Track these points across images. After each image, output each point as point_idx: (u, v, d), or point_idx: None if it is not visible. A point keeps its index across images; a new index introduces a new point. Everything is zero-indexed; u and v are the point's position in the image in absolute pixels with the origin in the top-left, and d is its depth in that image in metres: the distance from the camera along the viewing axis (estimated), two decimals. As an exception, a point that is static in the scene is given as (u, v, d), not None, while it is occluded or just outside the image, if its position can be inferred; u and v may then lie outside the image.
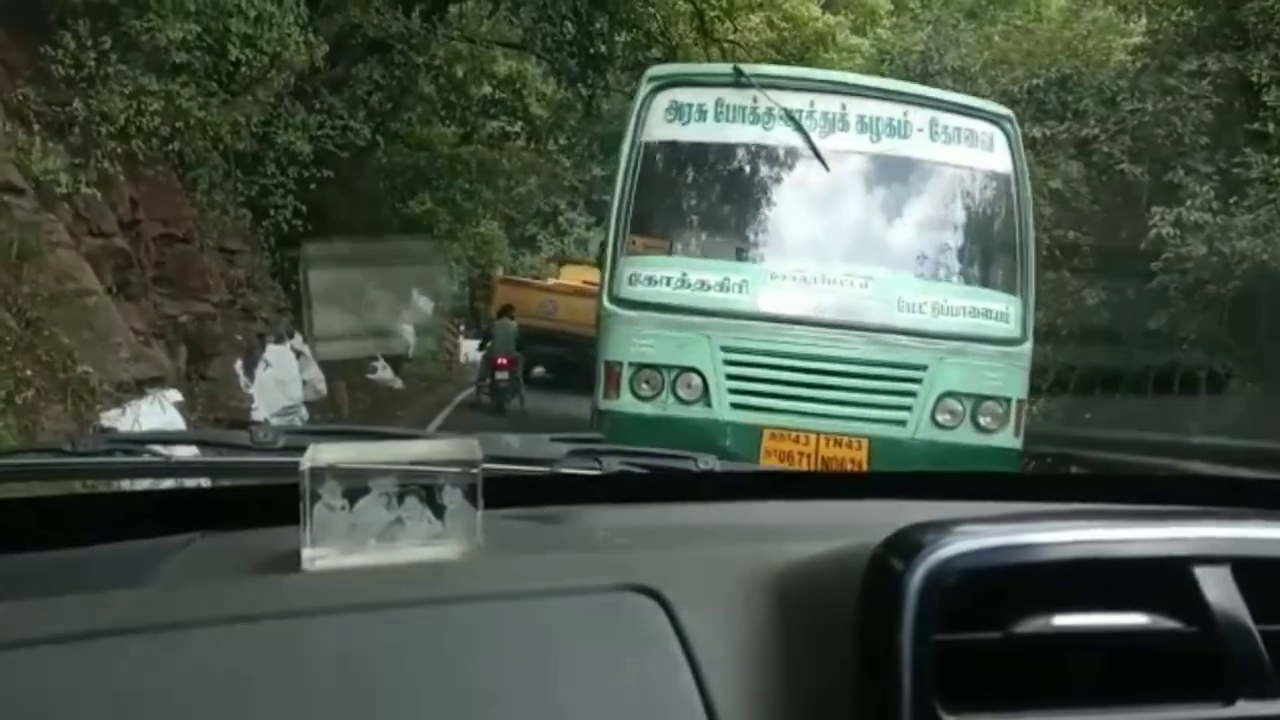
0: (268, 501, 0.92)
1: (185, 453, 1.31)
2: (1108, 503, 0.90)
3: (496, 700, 0.65)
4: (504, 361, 13.55)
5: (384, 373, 14.96)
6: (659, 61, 13.37)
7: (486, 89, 16.32)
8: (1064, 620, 0.63)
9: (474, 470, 0.81)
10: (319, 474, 0.79)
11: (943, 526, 0.66)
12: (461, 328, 22.10)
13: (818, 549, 0.74)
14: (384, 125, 14.13)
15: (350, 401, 11.99)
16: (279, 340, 9.84)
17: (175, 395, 6.61)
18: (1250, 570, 0.65)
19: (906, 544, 0.65)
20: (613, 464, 1.17)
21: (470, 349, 21.92)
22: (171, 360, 7.68)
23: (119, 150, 7.27)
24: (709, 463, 1.22)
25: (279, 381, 9.40)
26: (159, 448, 1.25)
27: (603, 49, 14.12)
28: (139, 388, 6.36)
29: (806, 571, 0.73)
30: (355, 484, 0.80)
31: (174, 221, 8.42)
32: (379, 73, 12.65)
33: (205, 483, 1.36)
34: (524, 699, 0.66)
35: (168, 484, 1.28)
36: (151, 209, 8.09)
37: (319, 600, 0.72)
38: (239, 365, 8.98)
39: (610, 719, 0.66)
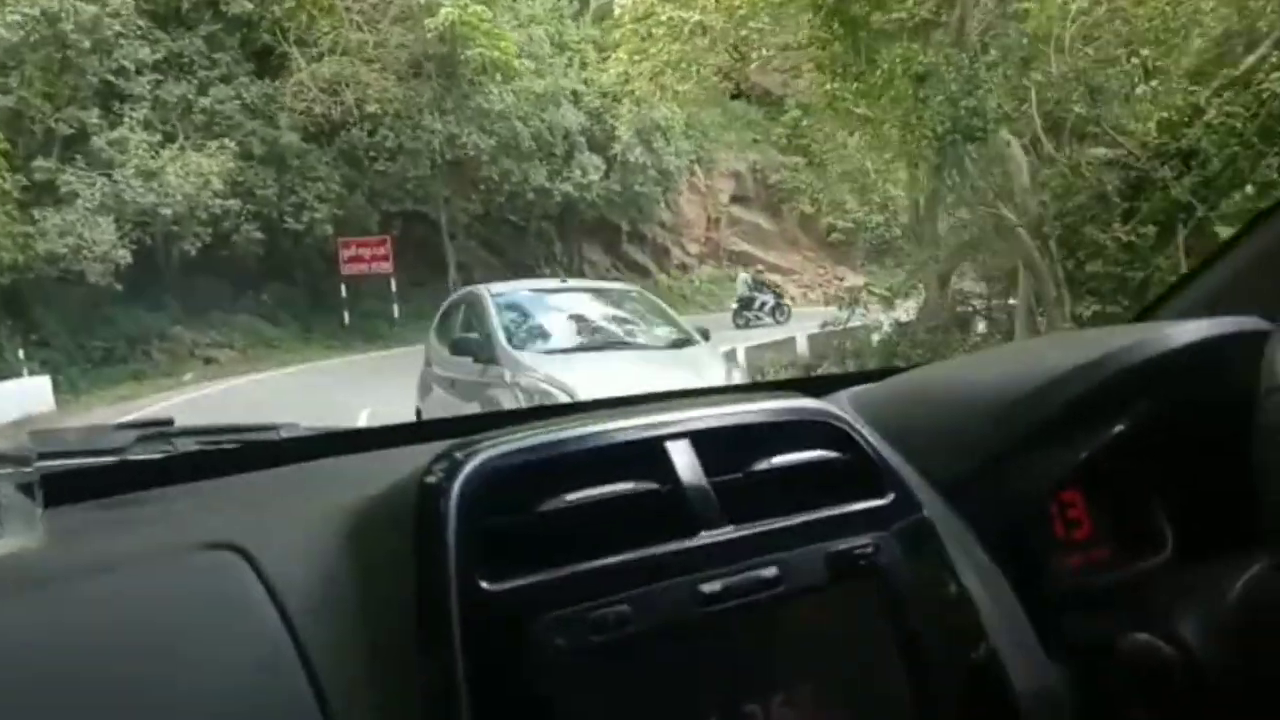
0: None
1: None
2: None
3: (89, 681, 0.68)
4: None
5: None
6: None
7: None
8: (574, 496, 0.79)
9: (27, 468, 0.82)
10: None
11: (475, 441, 0.81)
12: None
13: (385, 485, 0.84)
14: None
15: None
16: None
17: None
18: (704, 438, 0.86)
19: (448, 459, 0.79)
20: (187, 444, 1.11)
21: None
22: None
23: None
24: (292, 430, 1.20)
25: None
26: None
27: None
28: None
29: (374, 505, 0.84)
30: None
31: None
32: None
33: None
34: (120, 673, 0.69)
35: None
36: None
37: None
38: None
39: (211, 673, 0.71)
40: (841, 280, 26.20)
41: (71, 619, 0.70)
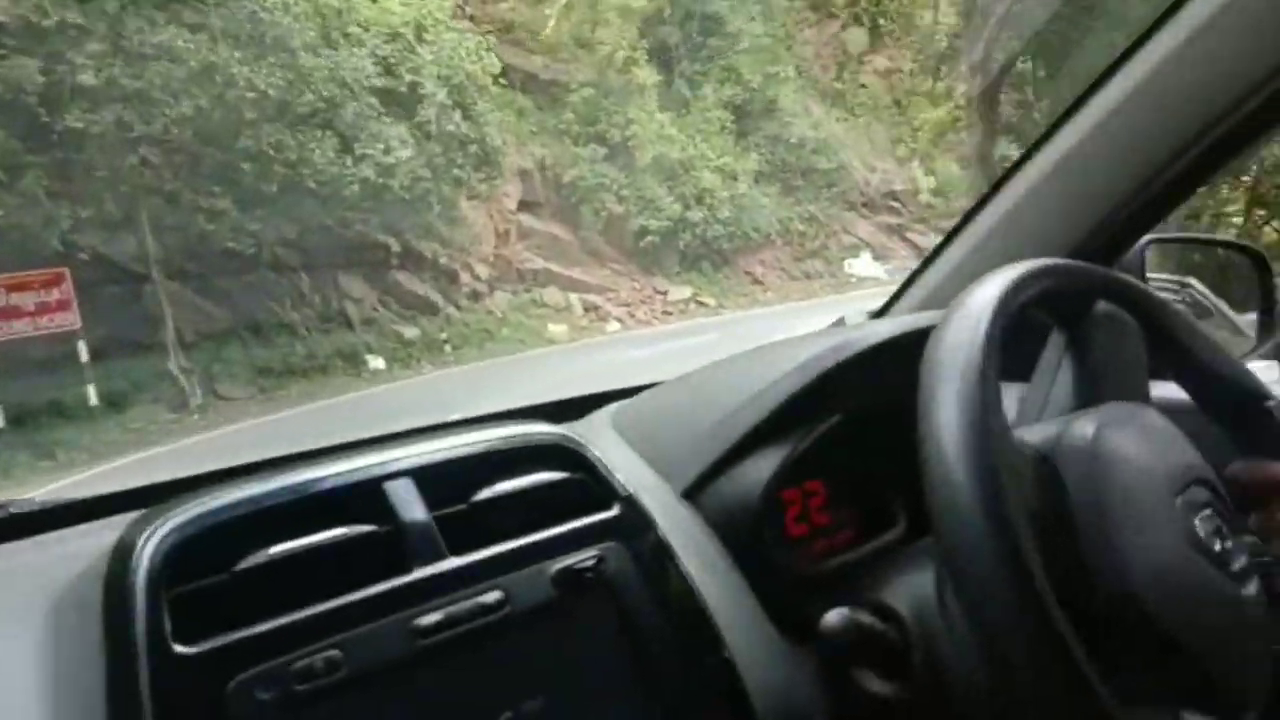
0: None
1: None
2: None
3: None
4: None
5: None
6: None
7: None
8: (280, 548, 0.79)
9: None
10: None
11: (169, 507, 0.81)
12: None
13: (88, 562, 0.83)
14: None
15: None
16: None
17: None
18: (425, 474, 0.88)
19: (135, 529, 0.79)
20: None
21: None
22: None
23: None
24: (23, 505, 1.10)
25: None
26: None
27: None
28: None
29: (72, 584, 0.81)
30: None
31: None
32: None
33: None
34: None
35: None
36: None
37: None
38: None
39: None
40: (665, 294, 22.64)
41: None
